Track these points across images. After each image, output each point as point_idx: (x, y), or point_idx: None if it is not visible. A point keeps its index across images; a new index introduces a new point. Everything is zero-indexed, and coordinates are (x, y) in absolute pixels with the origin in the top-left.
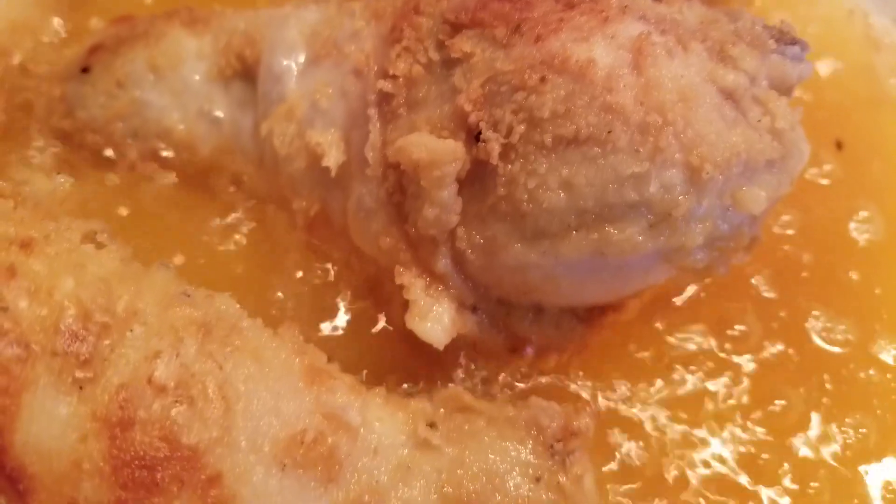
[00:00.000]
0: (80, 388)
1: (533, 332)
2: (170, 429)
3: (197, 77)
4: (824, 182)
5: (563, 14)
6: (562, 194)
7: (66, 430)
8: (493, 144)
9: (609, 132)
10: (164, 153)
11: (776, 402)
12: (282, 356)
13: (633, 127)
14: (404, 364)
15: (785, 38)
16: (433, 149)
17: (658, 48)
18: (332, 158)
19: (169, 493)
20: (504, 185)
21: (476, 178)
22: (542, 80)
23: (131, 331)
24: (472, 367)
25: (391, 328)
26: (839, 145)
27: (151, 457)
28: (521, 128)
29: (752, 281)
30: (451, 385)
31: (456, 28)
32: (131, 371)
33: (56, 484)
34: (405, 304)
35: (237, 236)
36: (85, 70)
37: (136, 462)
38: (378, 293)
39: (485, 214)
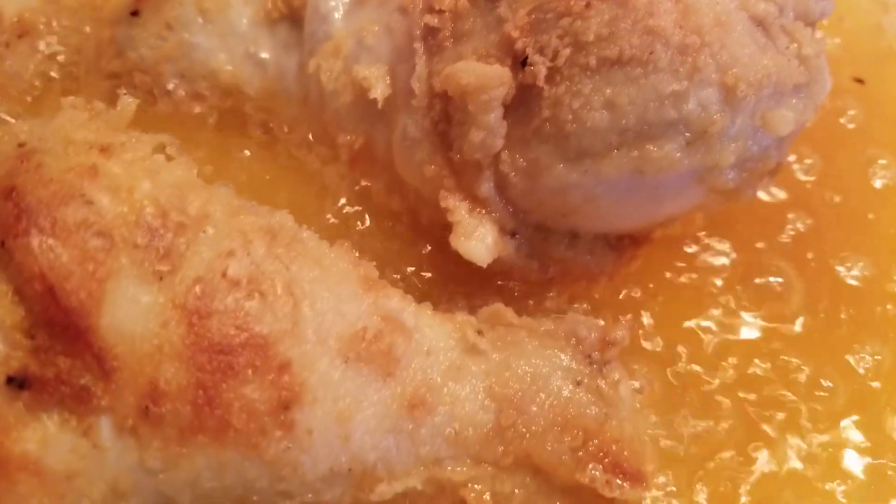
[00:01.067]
0: (160, 278)
1: (567, 258)
2: (243, 319)
3: (244, 20)
4: (848, 126)
5: None
6: (605, 113)
7: (147, 316)
8: (540, 68)
9: (650, 53)
10: (209, 94)
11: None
12: (340, 265)
13: (673, 48)
14: (445, 289)
15: None
16: (481, 74)
17: None
18: (379, 91)
19: (244, 376)
20: (549, 107)
21: (521, 103)
22: (588, 6)
23: (204, 231)
24: (508, 291)
25: (428, 256)
26: (859, 81)
27: (227, 343)
28: (567, 51)
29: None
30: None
31: None
32: (206, 266)
33: (138, 365)
34: (447, 229)
35: (279, 173)
36: (134, 13)
37: (213, 348)
38: (418, 222)
39: (529, 137)
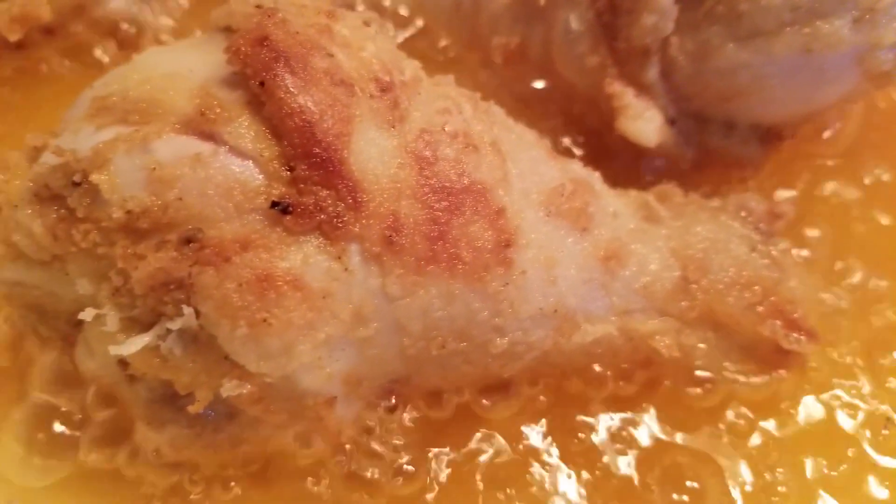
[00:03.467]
0: (392, 126)
1: (721, 147)
2: (464, 167)
3: None
4: None
5: None
6: None
7: (385, 157)
8: None
9: None
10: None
11: None
12: (527, 135)
13: None
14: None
15: None
16: None
17: None
18: None
19: (469, 217)
20: None
21: None
22: None
23: (419, 93)
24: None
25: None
26: None
27: (452, 187)
28: None
29: None
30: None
31: None
32: (427, 120)
33: (382, 198)
34: (602, 124)
35: None
36: None
37: (442, 189)
38: (571, 117)
39: (699, 20)
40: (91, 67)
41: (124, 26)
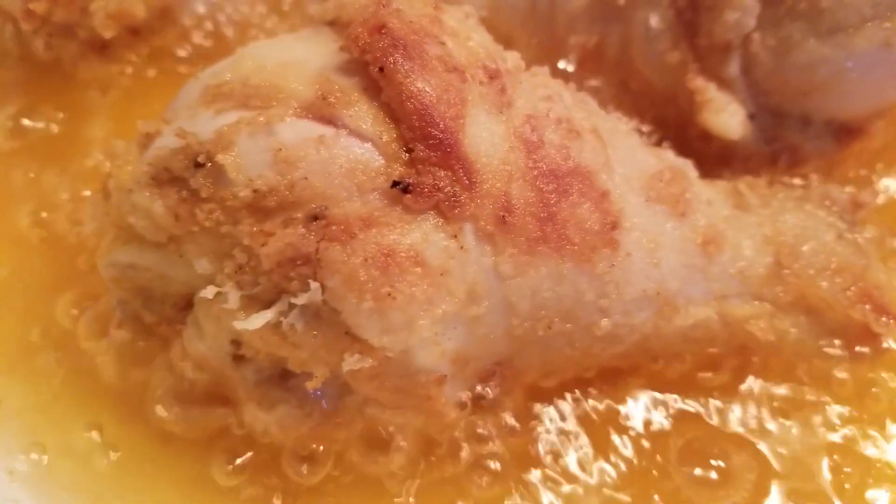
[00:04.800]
0: (500, 111)
1: (796, 142)
2: (569, 151)
3: None
4: None
5: None
6: None
7: (496, 141)
8: None
9: None
10: None
11: None
12: (621, 124)
13: None
14: None
15: None
16: None
17: None
18: None
19: (576, 199)
20: None
21: None
22: None
23: (521, 82)
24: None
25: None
26: None
27: (559, 170)
28: None
29: None
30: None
31: None
32: (532, 107)
33: (494, 179)
34: (679, 122)
35: None
36: None
37: (551, 172)
38: (648, 115)
39: (781, 16)
40: (175, 65)
41: (207, 27)
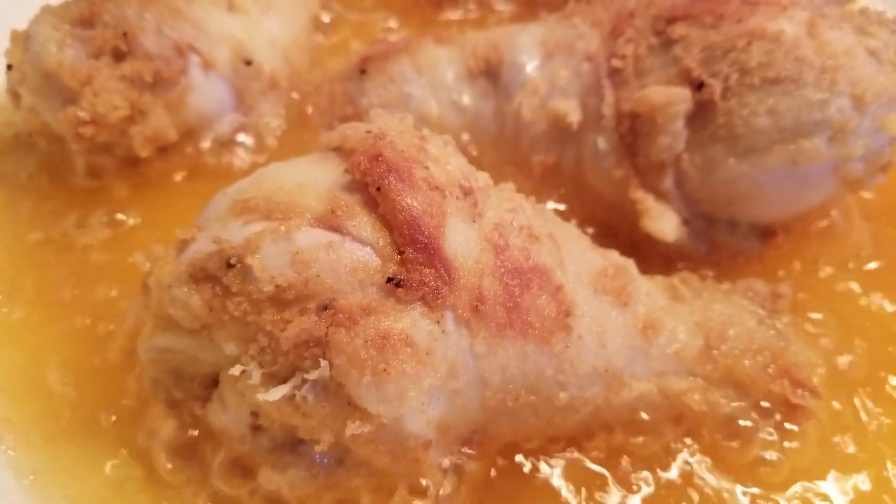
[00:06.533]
0: (473, 221)
1: (727, 242)
2: (529, 252)
3: (449, 76)
4: None
5: (752, 7)
6: (768, 118)
7: (470, 244)
8: (715, 88)
9: (800, 73)
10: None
11: None
12: (572, 229)
13: (816, 69)
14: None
15: None
16: (669, 93)
17: (824, 23)
18: (574, 117)
19: (535, 291)
20: (723, 116)
21: (697, 116)
22: (749, 43)
23: (490, 196)
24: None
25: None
26: None
27: (522, 268)
28: (736, 75)
29: None
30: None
31: (669, 21)
32: (499, 217)
33: (469, 276)
34: (625, 223)
35: None
36: (362, 72)
37: (514, 270)
38: (594, 223)
39: (706, 140)
40: (195, 179)
41: (227, 147)
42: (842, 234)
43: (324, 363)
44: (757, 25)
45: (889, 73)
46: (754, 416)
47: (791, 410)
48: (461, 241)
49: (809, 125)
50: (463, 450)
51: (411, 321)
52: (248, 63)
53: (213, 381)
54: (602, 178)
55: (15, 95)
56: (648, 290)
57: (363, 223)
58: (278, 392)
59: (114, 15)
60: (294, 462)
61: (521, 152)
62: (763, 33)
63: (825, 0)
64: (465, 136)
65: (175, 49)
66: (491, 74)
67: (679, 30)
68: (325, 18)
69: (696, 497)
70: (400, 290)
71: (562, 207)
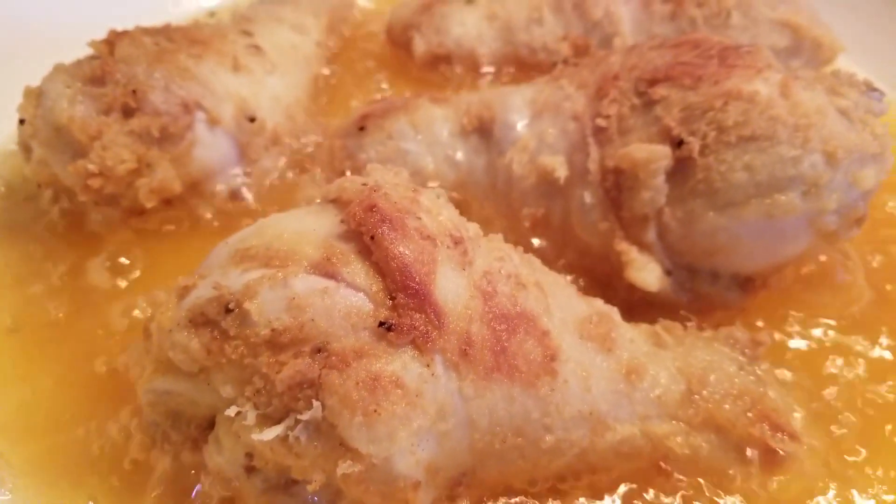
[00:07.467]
0: (463, 269)
1: (709, 293)
2: (517, 299)
3: (444, 133)
4: None
5: (728, 70)
6: (744, 173)
7: (460, 291)
8: (694, 145)
9: (774, 131)
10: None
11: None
12: (559, 278)
13: (790, 128)
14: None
15: (869, 86)
16: (651, 150)
17: (796, 84)
18: (561, 172)
19: (522, 336)
20: (702, 172)
21: (677, 172)
22: (726, 103)
23: (480, 246)
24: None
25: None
26: None
27: (509, 314)
28: (713, 133)
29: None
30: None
31: (651, 83)
32: (487, 265)
33: (458, 321)
34: (611, 273)
35: None
36: (361, 128)
37: (502, 316)
38: (583, 271)
39: (685, 195)
40: (198, 229)
41: (230, 199)
42: (827, 284)
43: (316, 404)
44: (733, 87)
45: (859, 130)
46: (734, 458)
47: (770, 454)
48: (451, 287)
49: (784, 180)
50: (453, 491)
51: (402, 364)
52: (252, 119)
53: (210, 424)
54: (588, 230)
55: (26, 148)
56: (632, 336)
57: (357, 270)
58: (272, 432)
59: (124, 73)
60: (287, 502)
61: (512, 205)
62: (739, 94)
63: (803, 62)
64: (457, 192)
65: (182, 106)
66: (484, 132)
67: (660, 91)
68: (327, 75)
69: None
70: (391, 333)
71: (549, 257)
